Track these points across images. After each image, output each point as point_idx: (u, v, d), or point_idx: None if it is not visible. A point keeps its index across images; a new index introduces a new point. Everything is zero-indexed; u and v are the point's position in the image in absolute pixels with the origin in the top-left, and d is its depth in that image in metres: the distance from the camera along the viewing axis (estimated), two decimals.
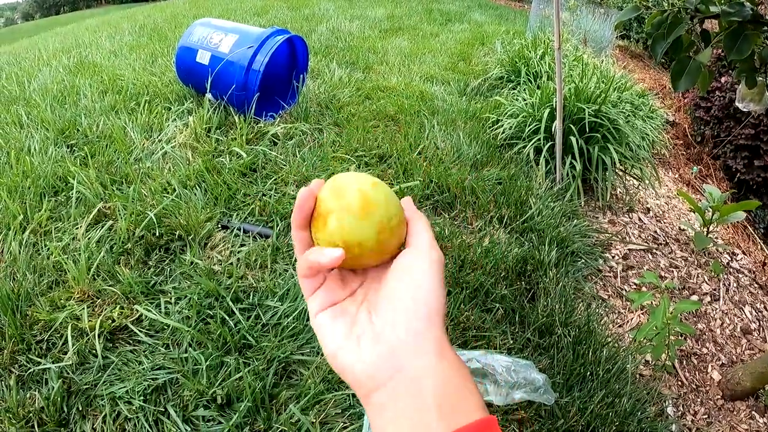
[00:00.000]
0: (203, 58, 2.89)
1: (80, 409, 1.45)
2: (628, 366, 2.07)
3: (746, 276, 3.32)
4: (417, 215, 0.54)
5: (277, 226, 2.12)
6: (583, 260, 2.78)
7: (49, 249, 1.89)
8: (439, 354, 0.45)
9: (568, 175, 3.26)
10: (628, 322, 2.65)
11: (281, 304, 1.75)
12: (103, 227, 2.00)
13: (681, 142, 6.02)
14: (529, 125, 3.49)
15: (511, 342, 1.93)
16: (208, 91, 2.86)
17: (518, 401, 1.60)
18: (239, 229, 2.08)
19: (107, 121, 2.77)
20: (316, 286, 0.53)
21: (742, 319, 2.93)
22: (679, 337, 2.51)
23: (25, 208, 2.08)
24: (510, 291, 2.14)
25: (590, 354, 1.98)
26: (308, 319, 1.70)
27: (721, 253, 3.48)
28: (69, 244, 1.95)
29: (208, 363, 1.53)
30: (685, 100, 6.67)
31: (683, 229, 3.61)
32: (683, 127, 6.28)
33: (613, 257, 3.05)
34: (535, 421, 1.67)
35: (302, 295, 1.78)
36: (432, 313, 0.46)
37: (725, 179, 5.56)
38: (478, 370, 1.63)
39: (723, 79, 5.59)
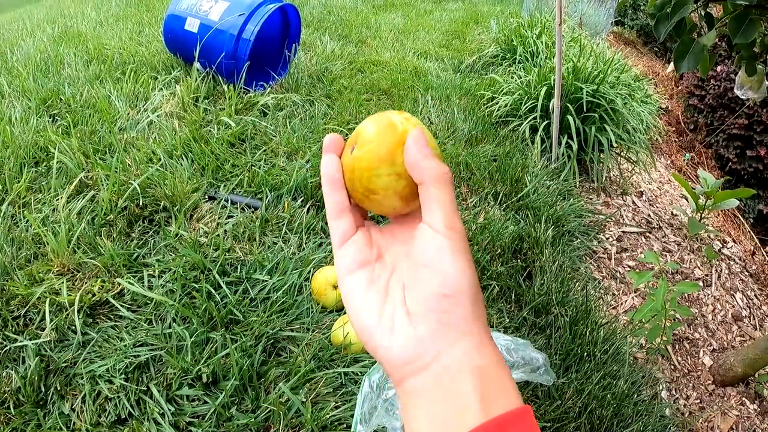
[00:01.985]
0: (192, 25, 2.78)
1: (59, 388, 1.37)
2: (624, 348, 2.02)
3: (737, 263, 3.32)
4: (423, 167, 0.45)
5: (266, 197, 2.04)
6: (579, 240, 2.73)
7: (27, 221, 1.80)
8: (478, 340, 0.41)
9: (563, 154, 3.21)
10: (622, 304, 2.63)
11: (270, 278, 1.67)
12: (84, 198, 1.91)
13: (673, 129, 6.03)
14: (525, 103, 3.44)
15: (508, 321, 1.87)
16: (196, 59, 2.76)
17: (516, 382, 1.54)
18: (227, 200, 2.00)
19: (91, 90, 2.67)
20: (345, 232, 0.48)
21: (733, 306, 2.95)
22: (675, 321, 2.48)
23: (4, 179, 1.99)
24: (506, 269, 2.08)
25: (588, 334, 1.93)
26: (298, 294, 1.63)
27: (713, 239, 3.47)
28: (49, 216, 1.86)
29: (193, 339, 1.45)
30: (679, 88, 6.66)
31: (675, 215, 3.59)
32: (676, 115, 6.28)
33: (608, 239, 3.02)
34: (532, 402, 1.62)
35: (292, 269, 1.71)
36: (471, 298, 0.42)
37: (717, 168, 5.60)
38: None
39: (719, 68, 5.62)
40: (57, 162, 2.04)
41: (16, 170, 2.05)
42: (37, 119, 2.39)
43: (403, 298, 0.44)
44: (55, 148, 2.08)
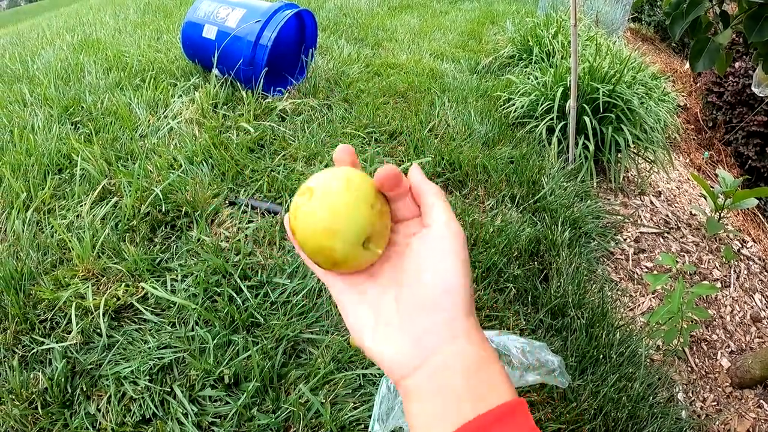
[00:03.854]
0: (210, 32, 2.82)
1: (84, 389, 1.41)
2: (640, 350, 2.02)
3: (756, 263, 3.29)
4: (426, 186, 0.49)
5: (286, 202, 2.06)
6: (596, 241, 2.73)
7: (52, 227, 1.84)
8: (467, 339, 0.44)
9: (580, 155, 3.20)
10: (639, 305, 2.61)
11: (290, 282, 1.70)
12: (107, 204, 1.95)
13: (692, 126, 5.95)
14: (542, 104, 3.43)
15: (524, 323, 1.88)
16: (214, 66, 2.80)
17: (531, 384, 1.55)
18: (247, 205, 2.03)
19: (112, 97, 2.71)
20: None
21: (752, 307, 2.91)
22: (692, 322, 2.46)
23: (29, 186, 2.03)
24: (522, 271, 2.08)
25: (604, 336, 1.93)
26: (317, 297, 1.66)
27: (732, 239, 3.44)
28: (73, 222, 1.90)
29: (215, 342, 1.49)
30: (697, 85, 6.58)
31: (694, 214, 3.56)
32: (694, 112, 6.20)
33: (625, 240, 3.00)
34: (547, 404, 1.63)
35: (311, 273, 1.74)
36: (458, 299, 0.45)
37: (736, 165, 5.47)
38: None
39: (737, 65, 5.49)
40: (80, 169, 2.09)
41: (40, 177, 2.10)
42: (59, 127, 2.44)
43: (397, 309, 0.47)
44: (77, 156, 2.13)
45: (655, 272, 2.74)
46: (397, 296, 0.47)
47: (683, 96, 6.28)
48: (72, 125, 2.51)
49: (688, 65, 6.90)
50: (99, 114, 2.56)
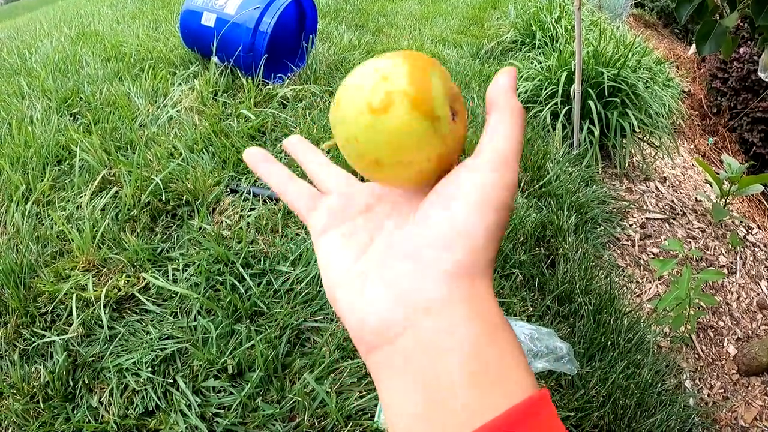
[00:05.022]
0: (208, 20, 2.78)
1: (86, 382, 1.39)
2: (648, 336, 1.99)
3: (762, 250, 3.28)
4: (502, 107, 0.38)
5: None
6: (602, 227, 2.70)
7: (52, 219, 1.82)
8: (471, 307, 0.31)
9: (585, 140, 3.17)
10: (646, 291, 2.60)
11: (293, 270, 1.67)
12: (107, 194, 1.92)
13: (696, 112, 5.93)
14: (546, 89, 3.40)
15: (531, 309, 1.85)
16: (214, 54, 2.76)
17: (540, 371, 1.53)
18: (248, 193, 2.00)
19: (111, 87, 2.68)
20: (313, 195, 0.44)
21: (758, 294, 2.90)
22: (699, 309, 2.44)
23: (28, 178, 2.01)
24: (528, 257, 2.05)
25: (611, 323, 1.91)
26: (322, 285, 1.63)
27: (737, 225, 3.41)
28: (73, 213, 1.87)
29: (218, 331, 1.46)
30: (701, 71, 6.54)
31: (699, 201, 3.53)
32: (699, 98, 6.17)
33: (631, 225, 2.98)
34: (555, 392, 1.60)
35: (315, 260, 1.71)
36: (470, 254, 0.32)
37: (741, 152, 5.48)
38: None
39: (741, 50, 5.47)
40: (79, 160, 2.06)
41: (39, 169, 2.08)
42: (58, 118, 2.41)
43: (387, 254, 0.36)
44: (76, 147, 2.10)
45: (662, 258, 2.71)
46: (395, 239, 0.36)
47: (687, 82, 6.25)
48: (71, 116, 2.49)
49: (692, 51, 6.89)
50: (98, 104, 2.53)
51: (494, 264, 0.36)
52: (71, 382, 1.40)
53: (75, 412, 1.34)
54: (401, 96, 0.34)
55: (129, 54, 3.12)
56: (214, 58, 2.77)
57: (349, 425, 1.29)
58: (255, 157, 0.47)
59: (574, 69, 2.97)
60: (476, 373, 0.29)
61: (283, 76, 2.95)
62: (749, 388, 2.35)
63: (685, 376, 2.18)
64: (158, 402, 1.34)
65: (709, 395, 2.26)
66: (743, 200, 4.16)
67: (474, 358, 0.30)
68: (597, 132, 3.12)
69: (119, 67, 2.96)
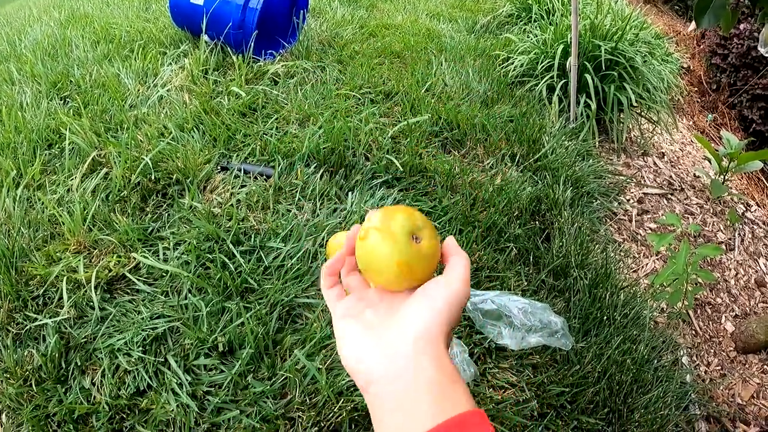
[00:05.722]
0: None
1: (79, 364, 1.38)
2: (644, 312, 1.97)
3: (761, 228, 3.24)
4: (459, 253, 0.62)
5: (279, 165, 2.00)
6: (599, 201, 2.67)
7: (43, 203, 1.80)
8: (437, 364, 0.51)
9: (582, 114, 3.12)
10: (642, 267, 2.57)
11: (284, 245, 1.65)
12: (97, 176, 1.90)
13: (696, 89, 5.85)
14: (542, 62, 3.34)
15: (525, 284, 1.82)
16: (203, 32, 2.72)
17: (534, 346, 1.51)
18: (239, 170, 1.97)
19: (100, 69, 2.65)
20: (339, 294, 0.63)
21: (756, 271, 2.88)
22: (696, 285, 2.42)
23: (18, 163, 1.99)
24: (523, 230, 2.03)
25: (607, 297, 1.88)
26: (313, 260, 1.62)
27: (736, 202, 3.38)
28: (64, 196, 1.86)
29: (208, 309, 1.45)
30: (701, 47, 6.46)
31: (698, 176, 3.49)
32: (698, 74, 6.08)
33: (628, 200, 2.95)
34: (550, 367, 1.58)
35: (306, 235, 1.70)
36: (436, 334, 0.54)
37: (740, 129, 5.40)
38: (492, 312, 1.53)
39: (741, 26, 5.38)
40: (69, 143, 2.04)
41: (29, 154, 2.06)
42: (48, 102, 2.38)
43: (384, 330, 0.56)
44: (66, 130, 2.07)
45: (659, 233, 2.68)
46: (390, 320, 0.57)
47: (687, 58, 6.18)
48: (61, 100, 2.46)
49: (691, 27, 6.78)
50: (87, 87, 2.50)
51: (450, 333, 0.57)
52: (64, 365, 1.39)
53: (67, 394, 1.33)
54: (373, 229, 0.59)
55: (119, 36, 3.09)
56: (204, 37, 2.73)
57: (341, 401, 1.28)
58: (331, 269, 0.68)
59: (571, 42, 2.92)
60: (435, 399, 0.49)
61: (274, 52, 2.91)
62: (746, 366, 2.34)
63: (682, 352, 2.16)
64: (150, 381, 1.33)
65: (706, 372, 2.25)
66: (742, 178, 4.12)
67: (434, 389, 0.50)
68: (594, 106, 3.06)
69: (109, 49, 2.92)
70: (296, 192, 1.92)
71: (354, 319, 0.59)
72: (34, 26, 3.59)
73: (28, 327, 1.46)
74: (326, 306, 1.51)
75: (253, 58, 2.73)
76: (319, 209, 1.87)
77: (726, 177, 3.34)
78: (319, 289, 1.56)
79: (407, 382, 0.50)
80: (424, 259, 0.59)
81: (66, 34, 3.20)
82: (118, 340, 1.41)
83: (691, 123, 5.00)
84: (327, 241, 1.67)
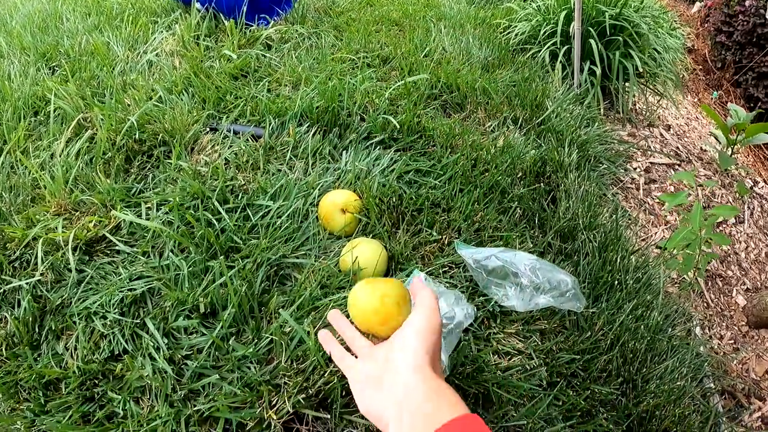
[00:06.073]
0: None
1: (53, 328, 1.30)
2: (657, 279, 1.87)
3: None
4: (423, 290, 0.84)
5: (270, 124, 1.90)
6: (605, 165, 2.57)
7: (26, 167, 1.72)
8: (433, 396, 0.70)
9: (586, 81, 3.03)
10: (651, 236, 2.48)
11: (273, 203, 1.55)
12: (81, 139, 1.81)
13: (700, 67, 5.83)
14: (544, 29, 3.24)
15: (531, 246, 1.71)
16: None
17: (542, 307, 1.41)
18: (229, 131, 1.88)
19: (90, 39, 2.56)
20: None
21: (766, 245, 2.78)
22: (707, 254, 2.33)
23: (3, 130, 1.90)
24: (528, 191, 1.92)
25: (618, 261, 1.78)
26: (303, 219, 1.52)
27: (744, 176, 3.30)
28: (47, 161, 1.77)
29: (190, 269, 1.35)
30: (705, 26, 6.38)
31: (705, 150, 3.41)
32: (703, 53, 6.06)
33: (635, 169, 2.86)
34: (559, 332, 1.48)
35: (297, 193, 1.60)
36: (420, 359, 0.74)
37: (746, 107, 5.40)
38: (498, 270, 1.43)
39: (747, 3, 5.31)
40: (55, 108, 1.95)
41: (15, 122, 1.97)
42: (36, 72, 2.30)
43: (384, 381, 0.76)
44: (52, 95, 1.99)
45: (671, 193, 2.60)
46: (386, 369, 0.78)
47: (691, 39, 6.12)
48: (49, 69, 2.38)
49: (695, 8, 6.71)
50: (76, 56, 2.41)
51: (437, 356, 0.79)
52: (38, 329, 1.30)
53: (39, 359, 1.25)
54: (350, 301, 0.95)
55: (110, 7, 3.00)
56: (196, 3, 2.64)
57: (331, 366, 1.18)
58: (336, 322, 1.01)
59: (574, 7, 2.82)
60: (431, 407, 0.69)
61: (267, 17, 2.80)
62: (759, 341, 2.27)
63: (695, 323, 2.07)
64: (125, 345, 1.24)
65: (719, 345, 2.18)
66: (749, 155, 4.07)
67: (431, 406, 0.69)
68: (599, 72, 2.97)
69: (100, 21, 2.84)
70: (287, 151, 1.82)
71: (365, 376, 0.81)
72: (25, 3, 3.50)
73: (2, 290, 1.37)
74: (318, 266, 1.43)
75: (246, 24, 2.63)
76: (312, 168, 1.77)
77: (733, 150, 3.26)
78: (311, 249, 1.48)
79: (410, 416, 0.69)
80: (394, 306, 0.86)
81: (56, 8, 3.11)
82: (93, 303, 1.32)
83: (696, 101, 4.96)
84: (319, 201, 1.58)
